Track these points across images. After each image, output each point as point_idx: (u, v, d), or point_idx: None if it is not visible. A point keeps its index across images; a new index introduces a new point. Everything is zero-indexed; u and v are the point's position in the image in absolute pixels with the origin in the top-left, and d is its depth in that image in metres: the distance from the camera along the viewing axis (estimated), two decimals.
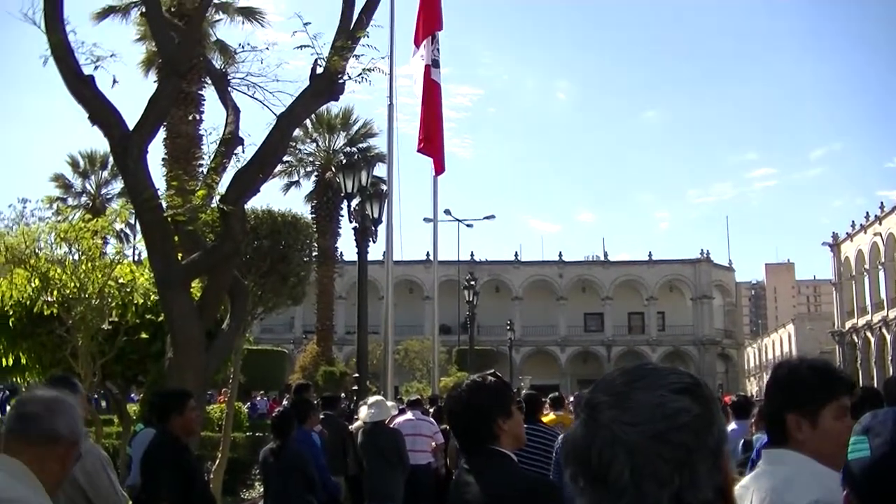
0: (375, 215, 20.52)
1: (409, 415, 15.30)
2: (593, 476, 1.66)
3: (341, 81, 11.29)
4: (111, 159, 55.77)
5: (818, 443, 2.89)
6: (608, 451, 1.64)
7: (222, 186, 11.22)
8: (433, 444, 15.24)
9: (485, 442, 4.02)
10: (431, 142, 25.16)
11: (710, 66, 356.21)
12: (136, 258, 15.92)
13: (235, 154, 11.41)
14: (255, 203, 14.14)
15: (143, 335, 13.44)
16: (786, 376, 3.20)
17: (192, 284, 11.52)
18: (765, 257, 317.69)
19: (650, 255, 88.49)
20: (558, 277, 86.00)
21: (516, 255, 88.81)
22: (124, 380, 15.21)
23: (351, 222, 19.73)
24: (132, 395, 22.72)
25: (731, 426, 10.72)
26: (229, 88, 11.95)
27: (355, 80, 11.52)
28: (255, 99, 11.66)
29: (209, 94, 26.57)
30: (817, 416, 3.00)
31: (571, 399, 19.91)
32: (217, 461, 13.70)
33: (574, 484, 1.70)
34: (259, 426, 25.03)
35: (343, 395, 27.60)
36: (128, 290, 13.28)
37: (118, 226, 16.44)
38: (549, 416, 14.09)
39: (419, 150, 25.07)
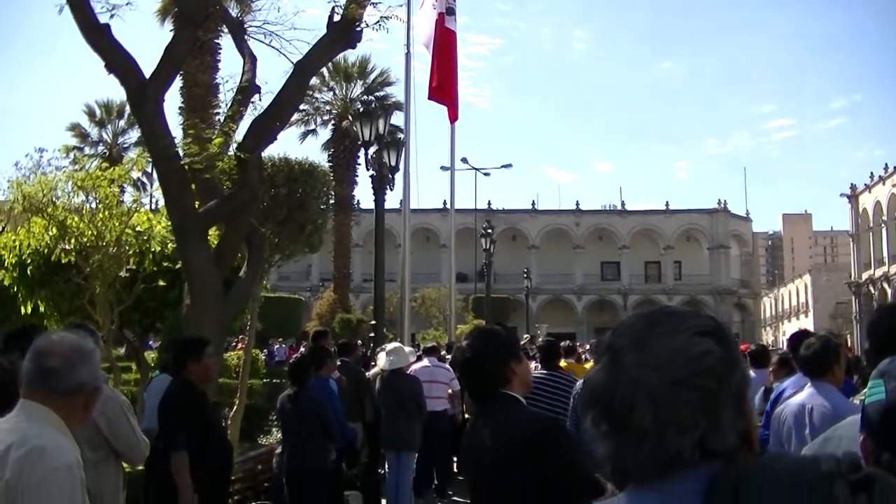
0: (393, 163, 20.48)
1: (425, 362, 15.34)
2: (615, 421, 1.64)
3: (358, 29, 11.24)
4: (128, 108, 56.09)
5: None
6: (630, 395, 1.62)
7: (239, 135, 11.21)
8: (450, 390, 15.31)
9: (495, 387, 4.10)
10: (445, 90, 25.09)
11: (729, 16, 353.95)
12: (153, 206, 15.94)
13: (252, 102, 11.40)
14: (272, 151, 14.15)
15: (161, 283, 13.46)
16: None
17: (210, 233, 11.56)
18: (782, 208, 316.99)
19: (667, 204, 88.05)
20: (575, 226, 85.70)
21: (533, 203, 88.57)
22: (141, 327, 15.26)
23: (368, 170, 19.69)
24: (149, 343, 22.86)
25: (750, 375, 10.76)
26: (246, 37, 11.92)
27: (373, 28, 11.48)
28: (272, 47, 11.66)
29: (225, 42, 26.49)
30: None
31: (587, 347, 19.96)
32: (234, 408, 13.80)
33: (595, 429, 1.69)
34: (276, 373, 25.16)
35: (360, 342, 27.76)
36: (145, 238, 13.33)
37: (135, 174, 16.48)
38: (589, 364, 14.15)
39: (430, 98, 25.02)
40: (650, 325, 1.71)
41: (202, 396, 7.00)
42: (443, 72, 24.98)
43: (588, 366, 13.77)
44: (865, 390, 2.32)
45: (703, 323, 1.71)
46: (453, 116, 27.16)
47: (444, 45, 24.94)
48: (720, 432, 1.63)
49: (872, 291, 78.58)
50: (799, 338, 7.56)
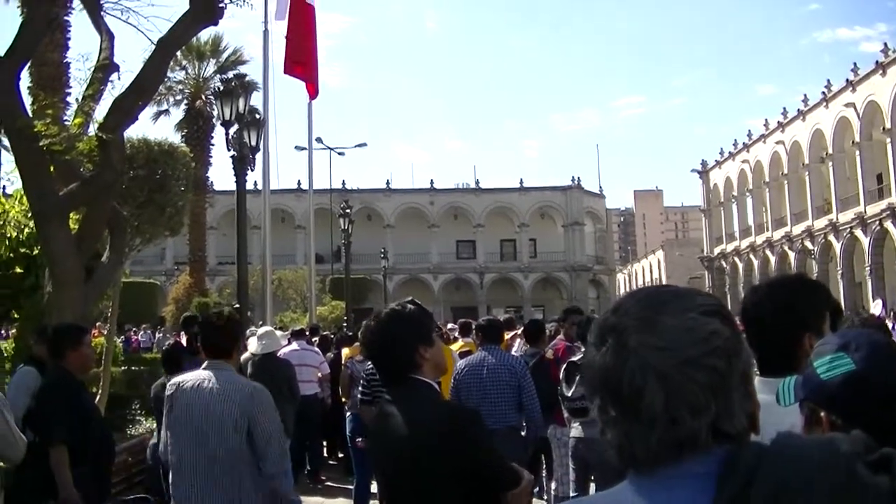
0: (253, 143, 20.15)
1: (293, 345, 15.16)
2: (623, 406, 1.59)
3: (221, 5, 10.96)
4: None
5: None
6: (639, 377, 1.56)
7: (98, 115, 10.83)
8: (319, 374, 15.17)
9: (406, 372, 3.96)
10: (306, 65, 24.81)
11: None
12: (2, 191, 15.31)
13: (111, 81, 11.03)
14: (130, 132, 13.72)
15: (17, 269, 12.98)
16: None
17: (70, 216, 11.15)
18: (634, 184, 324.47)
19: (521, 182, 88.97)
20: (430, 205, 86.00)
21: (388, 183, 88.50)
22: None
23: (229, 150, 19.26)
24: (1, 332, 21.98)
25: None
26: (102, 13, 11.50)
27: (236, 4, 11.22)
28: (129, 24, 11.28)
29: (76, 20, 25.60)
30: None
31: (449, 327, 19.96)
32: (97, 397, 13.37)
33: (602, 414, 1.64)
34: (134, 360, 24.61)
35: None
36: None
37: None
38: (458, 343, 14.12)
39: (286, 73, 24.69)
40: (658, 305, 1.64)
41: (81, 386, 6.70)
42: (302, 47, 24.69)
43: (456, 346, 13.75)
44: (818, 365, 2.29)
45: (709, 302, 1.66)
46: (313, 93, 26.85)
47: (303, 20, 24.66)
48: (731, 414, 1.59)
49: (724, 265, 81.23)
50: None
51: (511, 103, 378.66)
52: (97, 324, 22.54)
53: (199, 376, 5.76)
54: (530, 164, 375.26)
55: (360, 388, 9.85)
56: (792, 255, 67.38)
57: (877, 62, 54.24)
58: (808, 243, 64.57)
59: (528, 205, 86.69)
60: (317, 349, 16.11)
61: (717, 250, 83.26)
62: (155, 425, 10.55)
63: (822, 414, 2.28)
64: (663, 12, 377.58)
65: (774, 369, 3.00)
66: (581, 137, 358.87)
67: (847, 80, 58.11)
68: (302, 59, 25.03)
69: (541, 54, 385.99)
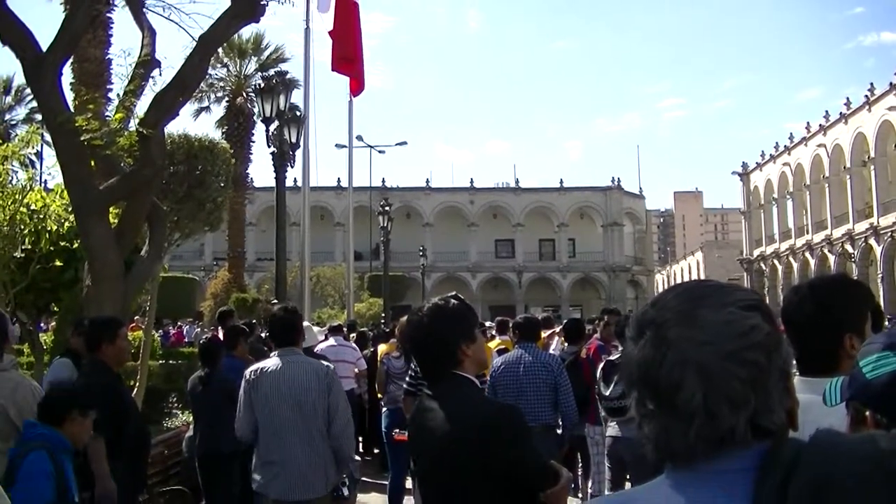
0: (293, 140, 20.21)
1: (331, 341, 15.21)
2: (662, 400, 1.58)
3: (263, 3, 10.99)
4: (14, 83, 54.65)
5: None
6: (678, 371, 1.55)
7: (139, 110, 10.90)
8: (356, 370, 15.20)
9: (447, 368, 3.94)
10: (351, 61, 24.86)
11: None
12: (44, 185, 15.47)
13: (152, 77, 11.08)
14: (170, 128, 13.81)
15: (57, 263, 13.09)
16: None
17: (110, 211, 11.23)
18: (674, 186, 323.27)
19: (561, 182, 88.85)
20: (469, 204, 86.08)
21: (428, 181, 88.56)
22: (36, 309, 14.82)
23: (269, 147, 19.33)
24: (41, 325, 22.18)
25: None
26: (144, 10, 11.57)
27: (278, 2, 11.26)
28: (171, 20, 11.34)
29: (118, 17, 25.81)
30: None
31: (487, 325, 19.95)
32: (134, 391, 13.47)
33: (640, 408, 1.64)
34: (172, 354, 24.75)
35: (254, 321, 27.34)
36: (40, 217, 12.90)
37: (25, 151, 15.91)
38: (495, 341, 14.12)
39: (334, 69, 24.75)
40: (697, 298, 1.64)
41: (117, 379, 6.75)
42: (348, 43, 24.74)
43: (493, 344, 13.75)
44: (863, 364, 2.22)
45: (748, 297, 1.66)
46: (358, 88, 26.85)
47: (348, 16, 24.71)
48: (770, 409, 1.58)
49: (763, 268, 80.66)
50: None
51: (553, 104, 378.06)
52: (135, 318, 22.71)
53: (276, 362, 7.11)
54: (572, 166, 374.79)
55: (406, 380, 9.86)
56: (832, 259, 66.78)
57: None
58: (848, 247, 64.03)
59: (567, 205, 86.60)
60: (354, 345, 16.14)
61: (756, 252, 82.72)
62: (191, 418, 10.62)
63: (868, 413, 2.24)
64: (707, 15, 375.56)
65: (815, 369, 2.99)
66: (623, 139, 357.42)
67: (890, 83, 57.51)
68: (349, 55, 25.09)
69: (584, 56, 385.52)
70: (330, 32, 24.49)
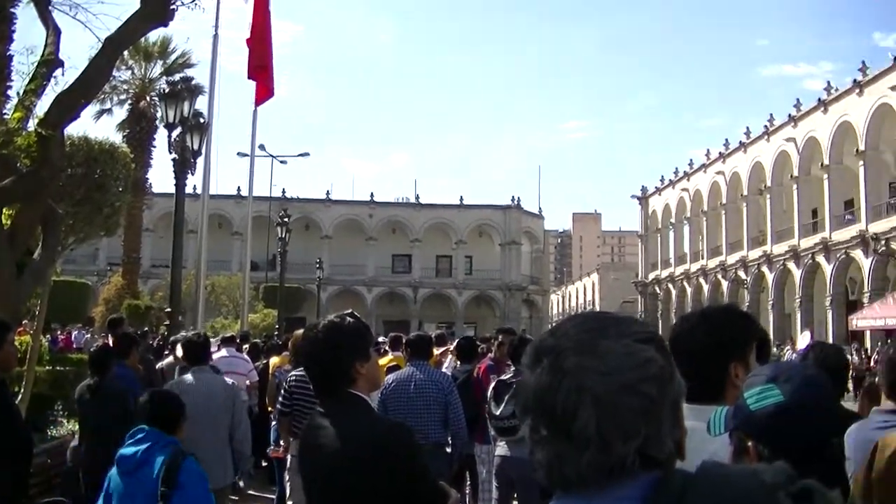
0: (195, 147, 20.03)
1: (223, 352, 15.01)
2: (556, 426, 1.59)
3: (173, 7, 10.92)
4: None
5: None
6: (573, 399, 1.57)
7: (39, 110, 10.72)
8: (248, 381, 15.05)
9: (341, 385, 3.94)
10: (264, 68, 24.77)
11: (534, 12, 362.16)
12: None
13: (54, 77, 10.92)
14: (70, 130, 13.58)
15: None
16: None
17: (3, 212, 11.02)
18: (574, 207, 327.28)
19: (461, 199, 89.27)
20: (369, 217, 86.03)
21: (328, 193, 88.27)
22: None
23: (170, 153, 19.13)
24: None
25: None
26: (50, 8, 11.41)
27: (188, 7, 11.20)
28: (77, 20, 11.21)
29: (22, 13, 25.26)
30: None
31: (380, 340, 19.94)
32: (19, 397, 13.16)
33: (534, 434, 1.64)
34: (60, 360, 24.22)
35: (146, 329, 26.96)
36: None
37: None
38: (387, 357, 14.11)
39: (251, 77, 24.61)
40: (597, 329, 1.66)
41: (2, 384, 6.59)
42: (263, 50, 24.65)
43: (385, 360, 13.74)
44: (748, 396, 2.38)
45: (644, 330, 1.70)
46: (266, 96, 26.65)
47: (264, 23, 24.62)
48: (661, 440, 1.61)
49: (657, 291, 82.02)
50: None
51: (459, 120, 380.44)
52: (23, 322, 22.20)
53: (192, 379, 8.84)
54: (474, 183, 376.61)
55: (279, 399, 9.79)
56: (725, 284, 68.29)
57: (819, 99, 55.22)
58: (741, 273, 65.46)
59: (466, 222, 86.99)
60: (246, 357, 15.99)
61: (651, 276, 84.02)
62: (77, 427, 10.42)
63: (750, 444, 2.34)
64: (616, 39, 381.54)
65: (701, 397, 3.00)
66: (526, 158, 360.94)
67: (789, 115, 59.12)
68: (263, 63, 24.98)
69: (492, 75, 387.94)
70: (247, 40, 24.39)
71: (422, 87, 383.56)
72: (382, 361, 13.15)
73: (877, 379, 4.83)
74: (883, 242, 46.97)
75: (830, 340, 46.80)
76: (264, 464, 15.73)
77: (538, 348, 1.68)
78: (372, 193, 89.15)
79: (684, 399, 1.72)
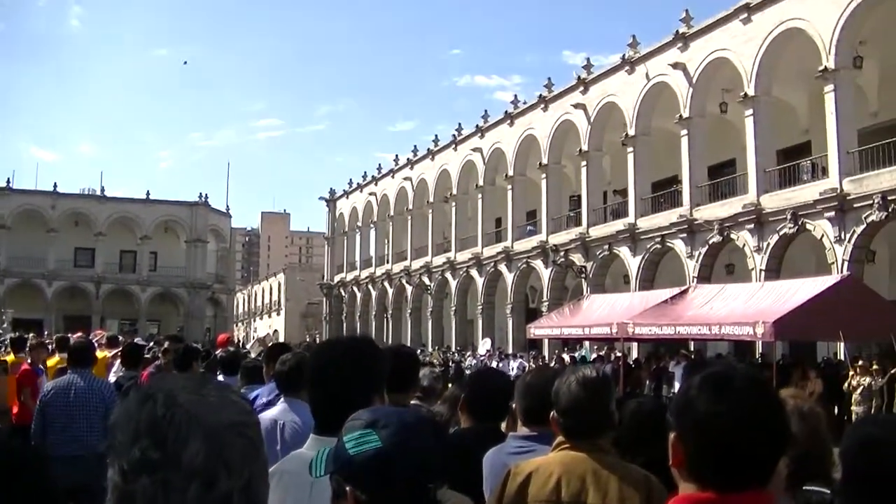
0: None
1: None
2: (166, 455, 1.61)
3: None
4: None
5: None
6: (185, 430, 1.62)
7: None
8: None
9: None
10: None
11: (231, 12, 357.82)
12: None
13: None
14: None
15: None
16: None
17: None
18: (263, 206, 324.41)
19: (148, 193, 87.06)
20: (51, 209, 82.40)
21: (8, 181, 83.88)
22: None
23: None
24: None
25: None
26: None
27: None
28: None
29: None
30: None
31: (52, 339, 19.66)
32: None
33: (141, 459, 1.62)
34: None
35: None
36: None
37: None
38: (55, 359, 13.99)
39: None
40: (204, 382, 1.78)
41: None
42: None
43: (53, 361, 13.68)
44: (347, 440, 2.40)
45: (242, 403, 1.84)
46: None
47: None
48: (255, 491, 1.71)
49: (342, 293, 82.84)
50: (277, 350, 7.86)
51: (150, 112, 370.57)
52: None
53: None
54: (162, 177, 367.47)
55: None
56: (409, 289, 69.15)
57: (506, 112, 56.67)
58: (425, 279, 66.18)
59: (152, 217, 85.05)
60: None
61: (337, 278, 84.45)
62: None
63: (349, 489, 2.35)
64: (311, 39, 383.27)
65: (334, 428, 2.91)
66: (216, 154, 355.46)
67: (477, 125, 60.32)
68: None
69: (185, 71, 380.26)
70: None
71: (112, 79, 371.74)
72: (50, 363, 13.20)
73: (513, 405, 4.92)
74: (562, 253, 48.58)
75: (510, 348, 49.64)
76: None
77: (146, 392, 1.71)
78: (55, 183, 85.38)
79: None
